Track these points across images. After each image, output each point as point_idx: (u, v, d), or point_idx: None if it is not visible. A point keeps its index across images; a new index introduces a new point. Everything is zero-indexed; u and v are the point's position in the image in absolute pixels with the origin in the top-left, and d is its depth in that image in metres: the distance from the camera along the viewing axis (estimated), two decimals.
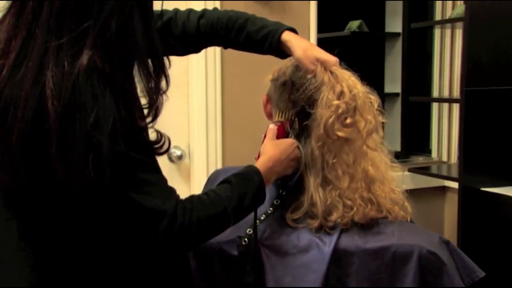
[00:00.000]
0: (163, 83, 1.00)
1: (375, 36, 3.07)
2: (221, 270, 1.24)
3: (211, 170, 1.97)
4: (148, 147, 0.99)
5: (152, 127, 1.00)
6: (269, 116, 1.36)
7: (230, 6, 2.20)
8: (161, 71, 0.99)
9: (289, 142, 1.24)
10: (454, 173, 2.50)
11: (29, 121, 0.86)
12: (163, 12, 1.25)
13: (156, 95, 0.98)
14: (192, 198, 1.04)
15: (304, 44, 1.25)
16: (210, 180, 1.46)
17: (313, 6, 2.35)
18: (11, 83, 0.88)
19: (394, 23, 2.99)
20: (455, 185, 2.54)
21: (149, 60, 0.97)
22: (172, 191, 1.02)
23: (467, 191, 2.21)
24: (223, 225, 1.09)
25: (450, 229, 2.77)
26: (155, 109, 0.98)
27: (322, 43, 2.42)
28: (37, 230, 0.98)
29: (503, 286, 2.15)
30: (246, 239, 1.22)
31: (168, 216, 0.97)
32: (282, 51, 1.27)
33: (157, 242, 0.99)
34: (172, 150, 2.18)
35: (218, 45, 1.36)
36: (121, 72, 0.93)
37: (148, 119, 0.98)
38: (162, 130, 1.05)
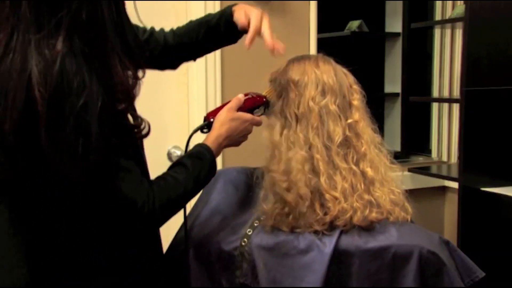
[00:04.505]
0: (140, 71, 1.08)
1: (375, 36, 3.07)
2: (220, 271, 1.24)
3: None
4: (127, 131, 1.06)
5: (132, 110, 1.07)
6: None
7: None
8: (134, 57, 1.06)
9: (244, 118, 1.28)
10: (454, 173, 2.50)
11: (20, 109, 0.92)
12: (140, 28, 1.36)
13: (131, 81, 1.04)
14: (152, 184, 1.10)
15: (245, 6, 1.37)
16: None
17: (313, 6, 2.35)
18: (0, 76, 0.93)
19: (394, 23, 2.99)
20: (455, 185, 2.54)
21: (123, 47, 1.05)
22: (142, 180, 1.08)
23: (467, 191, 2.21)
24: (183, 204, 1.19)
25: (450, 229, 2.77)
26: (130, 94, 1.05)
27: (322, 43, 2.42)
28: (27, 217, 1.04)
29: (503, 286, 2.15)
30: (245, 240, 1.22)
31: (137, 205, 1.05)
32: (236, 27, 1.36)
33: (128, 225, 1.08)
34: (172, 150, 2.18)
35: (191, 54, 1.46)
36: (98, 59, 0.99)
37: (124, 104, 1.04)
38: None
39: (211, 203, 1.37)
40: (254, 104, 1.31)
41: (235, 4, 1.38)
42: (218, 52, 2.18)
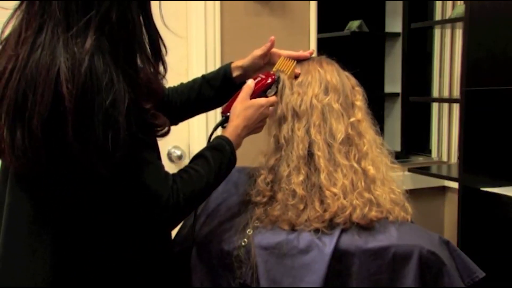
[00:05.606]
0: (161, 69, 1.11)
1: (375, 36, 3.07)
2: (220, 270, 1.24)
3: None
4: (150, 129, 1.08)
5: (154, 109, 1.09)
6: (270, 116, 1.36)
7: (230, 6, 2.20)
8: (158, 57, 1.09)
9: (258, 104, 1.27)
10: (454, 173, 2.50)
11: (48, 104, 0.93)
12: None
13: (155, 79, 1.07)
14: (175, 178, 1.11)
15: None
16: None
17: (313, 6, 2.35)
18: (28, 71, 0.95)
19: (394, 23, 2.99)
20: (455, 185, 2.54)
21: (148, 47, 1.07)
22: (166, 174, 1.09)
23: (467, 191, 2.21)
24: (206, 196, 1.20)
25: (450, 229, 2.77)
26: (155, 93, 1.08)
27: (322, 43, 2.42)
28: (51, 214, 1.05)
29: (503, 286, 2.15)
30: (245, 239, 1.22)
31: (163, 198, 1.06)
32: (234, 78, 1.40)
33: (152, 220, 1.09)
34: (172, 150, 2.18)
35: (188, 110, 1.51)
36: (125, 58, 1.01)
37: (150, 103, 1.06)
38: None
39: (212, 203, 1.37)
40: (265, 86, 1.29)
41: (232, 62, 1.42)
42: (218, 52, 2.18)
